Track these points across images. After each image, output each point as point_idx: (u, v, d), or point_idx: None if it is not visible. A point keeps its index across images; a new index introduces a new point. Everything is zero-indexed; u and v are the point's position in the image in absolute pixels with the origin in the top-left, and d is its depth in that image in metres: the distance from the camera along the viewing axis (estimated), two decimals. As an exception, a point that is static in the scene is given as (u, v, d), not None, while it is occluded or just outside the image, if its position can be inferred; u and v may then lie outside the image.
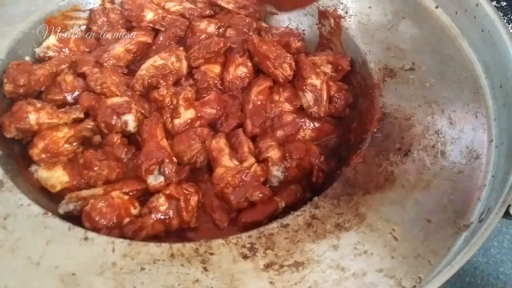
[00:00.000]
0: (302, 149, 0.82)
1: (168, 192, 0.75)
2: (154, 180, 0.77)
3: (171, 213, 0.74)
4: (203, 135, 0.84)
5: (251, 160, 0.79)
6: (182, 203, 0.74)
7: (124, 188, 0.77)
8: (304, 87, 0.89)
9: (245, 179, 0.76)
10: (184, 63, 0.94)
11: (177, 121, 0.84)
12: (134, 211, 0.74)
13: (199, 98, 0.88)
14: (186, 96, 0.84)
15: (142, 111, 0.85)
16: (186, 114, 0.85)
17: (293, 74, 0.90)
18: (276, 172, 0.80)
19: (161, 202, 0.74)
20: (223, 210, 0.77)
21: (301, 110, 0.90)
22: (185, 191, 0.75)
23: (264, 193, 0.76)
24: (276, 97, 0.91)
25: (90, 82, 0.86)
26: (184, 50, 0.97)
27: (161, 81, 0.88)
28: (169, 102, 0.85)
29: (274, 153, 0.82)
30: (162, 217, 0.73)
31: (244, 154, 0.81)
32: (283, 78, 0.90)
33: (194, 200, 0.75)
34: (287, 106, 0.90)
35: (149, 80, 0.88)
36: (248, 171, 0.77)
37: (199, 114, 0.86)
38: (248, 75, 0.93)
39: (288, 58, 0.90)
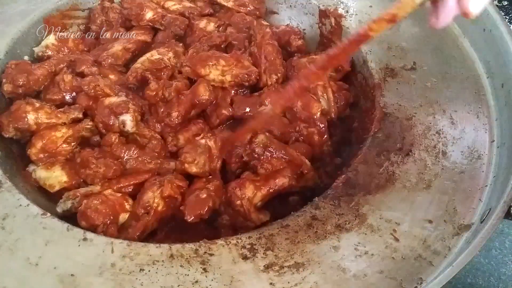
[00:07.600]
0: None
1: (166, 193, 0.74)
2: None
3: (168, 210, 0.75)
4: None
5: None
6: (179, 197, 0.75)
7: (121, 182, 0.78)
8: None
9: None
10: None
11: (174, 114, 0.84)
12: (128, 206, 0.75)
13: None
14: (177, 87, 0.84)
15: (140, 110, 0.84)
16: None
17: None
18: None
19: (157, 202, 0.74)
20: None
21: None
22: (180, 189, 0.76)
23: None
24: None
25: (83, 87, 0.84)
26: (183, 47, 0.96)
27: (151, 77, 0.86)
28: (162, 95, 0.84)
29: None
30: (160, 216, 0.74)
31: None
32: (264, 83, 0.90)
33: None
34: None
35: (143, 74, 0.87)
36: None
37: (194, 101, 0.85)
38: None
39: (280, 72, 0.90)
